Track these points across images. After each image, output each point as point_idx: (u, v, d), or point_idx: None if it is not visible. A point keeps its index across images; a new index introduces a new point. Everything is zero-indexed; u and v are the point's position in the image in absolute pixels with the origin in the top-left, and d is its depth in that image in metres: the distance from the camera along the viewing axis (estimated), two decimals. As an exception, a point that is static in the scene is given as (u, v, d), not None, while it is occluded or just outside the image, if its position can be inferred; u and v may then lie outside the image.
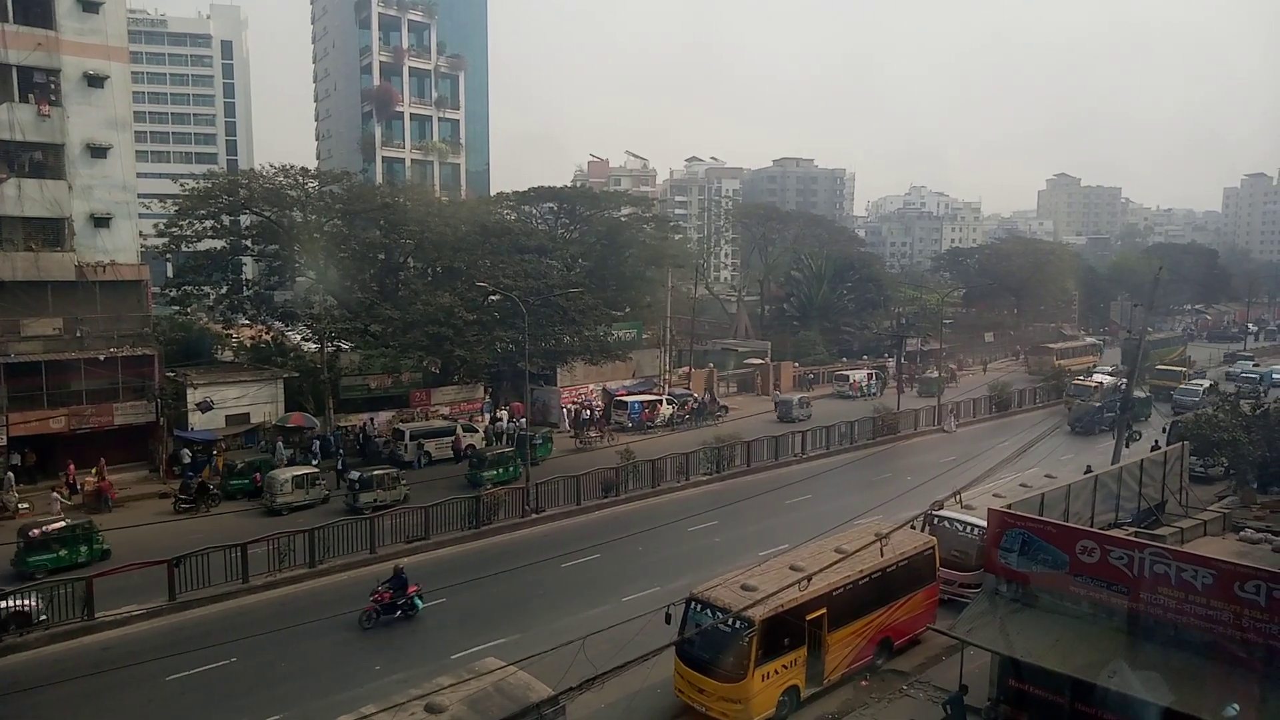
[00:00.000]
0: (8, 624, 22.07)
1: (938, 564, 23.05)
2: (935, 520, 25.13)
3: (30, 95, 36.06)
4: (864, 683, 20.60)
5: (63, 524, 27.69)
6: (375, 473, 34.31)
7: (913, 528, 23.88)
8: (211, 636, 21.95)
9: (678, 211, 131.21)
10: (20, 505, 32.74)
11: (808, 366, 68.43)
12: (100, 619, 23.02)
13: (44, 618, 22.59)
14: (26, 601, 22.46)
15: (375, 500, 32.92)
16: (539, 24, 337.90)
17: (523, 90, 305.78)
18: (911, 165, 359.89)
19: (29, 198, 35.96)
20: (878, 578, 20.82)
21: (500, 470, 37.31)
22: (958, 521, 24.95)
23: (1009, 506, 20.57)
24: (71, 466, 35.58)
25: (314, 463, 37.62)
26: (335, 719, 14.38)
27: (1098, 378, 60.06)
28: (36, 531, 27.01)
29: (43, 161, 36.96)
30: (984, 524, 20.26)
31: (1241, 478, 34.15)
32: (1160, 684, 15.45)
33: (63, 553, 27.00)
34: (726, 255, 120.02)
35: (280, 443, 39.86)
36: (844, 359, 72.26)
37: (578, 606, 24.52)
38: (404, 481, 34.82)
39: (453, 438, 42.05)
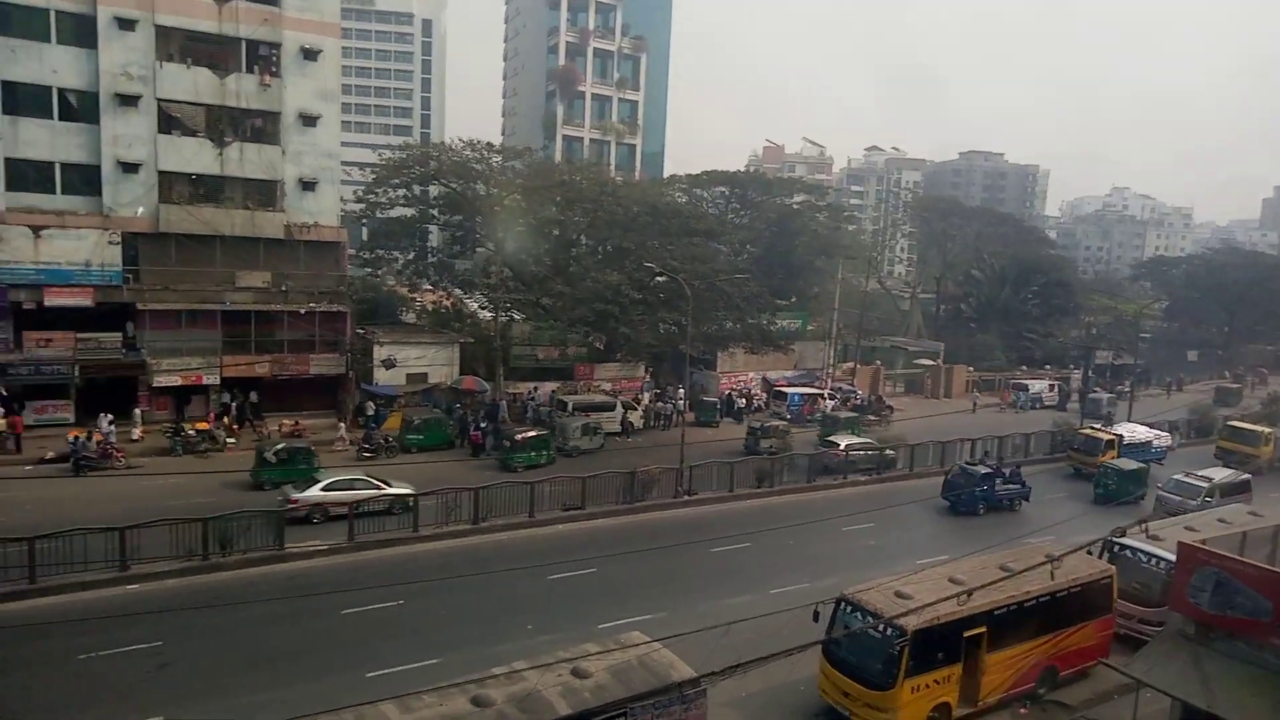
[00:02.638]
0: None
1: (1115, 595, 21.39)
2: (1116, 548, 23.31)
3: (254, 67, 39.42)
4: (1023, 710, 19.47)
5: (282, 446, 32.70)
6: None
7: (1089, 553, 22.26)
8: (382, 578, 23.52)
9: (853, 201, 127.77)
10: (228, 440, 36.18)
11: (983, 372, 65.03)
12: (289, 550, 25.14)
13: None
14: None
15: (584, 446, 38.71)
16: (724, 4, 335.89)
17: (703, 73, 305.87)
18: (1114, 164, 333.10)
19: (249, 160, 39.43)
20: (1046, 601, 19.54)
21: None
22: (1142, 552, 23.03)
23: (1203, 542, 18.79)
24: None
25: (483, 425, 39.37)
26: (490, 669, 15.01)
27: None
28: (269, 453, 31.65)
29: (261, 128, 40.35)
30: (1172, 558, 18.62)
31: None
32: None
33: (289, 468, 31.21)
34: (902, 249, 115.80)
35: (455, 405, 42.02)
36: (1024, 367, 68.17)
37: (723, 592, 24.49)
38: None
39: (612, 412, 42.94)
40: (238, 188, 39.82)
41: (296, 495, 27.92)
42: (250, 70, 39.21)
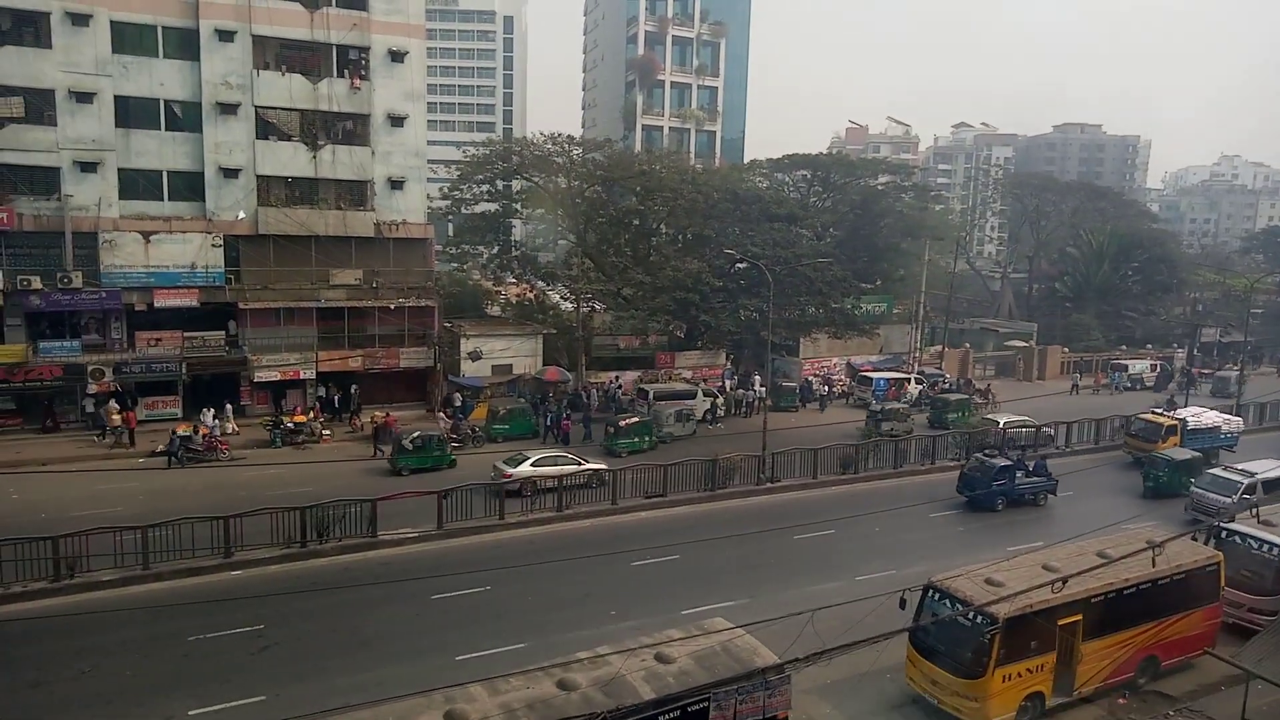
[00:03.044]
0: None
1: (1223, 583, 20.40)
2: (1223, 534, 22.21)
3: (345, 70, 40.77)
4: (1121, 700, 18.78)
5: (417, 434, 34.27)
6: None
7: (1194, 539, 21.28)
8: (470, 564, 24.19)
9: (940, 180, 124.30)
10: (325, 432, 37.69)
11: (1079, 353, 62.55)
12: (382, 537, 26.08)
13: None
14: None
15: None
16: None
17: (785, 55, 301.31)
18: (1224, 132, 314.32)
19: (340, 162, 40.84)
20: (1146, 589, 18.78)
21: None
22: (1251, 538, 21.88)
23: (1321, 527, 17.76)
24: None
25: (568, 414, 40.00)
26: (575, 653, 15.31)
27: None
28: (406, 441, 33.66)
29: (352, 130, 41.70)
30: (1286, 544, 17.62)
31: None
32: None
33: (422, 456, 33.52)
34: (992, 229, 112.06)
35: (538, 395, 42.77)
36: (1123, 347, 65.27)
37: (808, 579, 24.31)
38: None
39: (694, 400, 43.00)
40: (330, 189, 41.27)
41: (510, 470, 30.44)
42: (341, 74, 40.54)
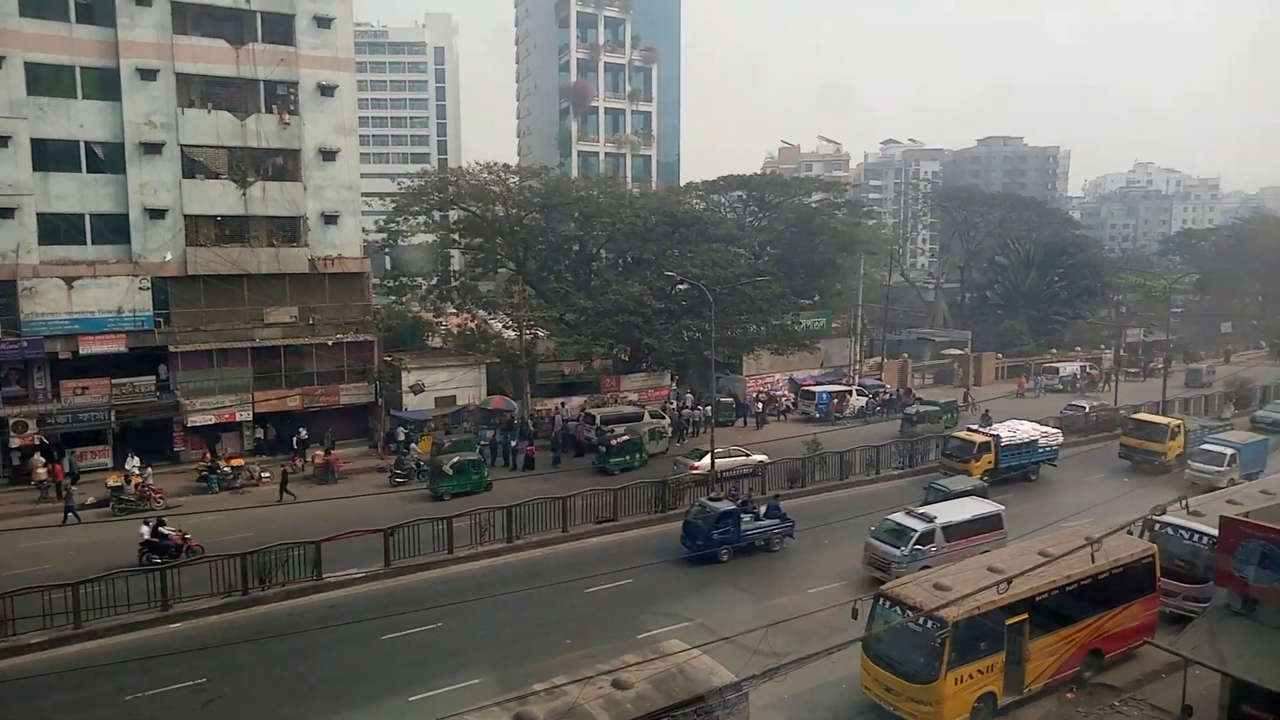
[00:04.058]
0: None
1: (1158, 573, 21.07)
2: (1156, 526, 22.94)
3: (273, 106, 40.22)
4: (1070, 695, 19.21)
5: (457, 459, 35.55)
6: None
7: (1130, 533, 21.94)
8: (421, 602, 23.74)
9: (872, 196, 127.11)
10: (263, 474, 36.74)
11: (1011, 359, 64.32)
12: (327, 579, 25.46)
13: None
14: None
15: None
16: (732, 10, 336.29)
17: (715, 79, 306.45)
18: (1137, 140, 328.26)
19: (271, 198, 40.14)
20: (1088, 584, 19.31)
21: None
22: (1183, 528, 22.67)
23: (1246, 514, 18.47)
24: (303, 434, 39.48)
25: (513, 444, 39.75)
26: (531, 685, 15.11)
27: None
28: (447, 466, 34.90)
29: (283, 165, 41.06)
30: (1214, 532, 18.33)
31: None
32: None
33: (460, 480, 34.85)
34: (924, 241, 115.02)
35: (483, 425, 42.40)
36: (1053, 350, 67.33)
37: (761, 596, 24.45)
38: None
39: (642, 422, 43.04)
40: (262, 226, 40.48)
41: (695, 464, 34.95)
42: (269, 110, 39.96)
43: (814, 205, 62.22)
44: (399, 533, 26.76)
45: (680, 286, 46.74)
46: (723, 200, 62.70)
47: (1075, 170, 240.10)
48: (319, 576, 25.36)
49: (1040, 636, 18.55)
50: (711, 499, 29.08)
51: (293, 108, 40.37)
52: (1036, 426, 37.98)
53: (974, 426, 38.74)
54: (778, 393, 53.07)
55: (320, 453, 37.94)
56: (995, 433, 36.40)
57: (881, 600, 18.45)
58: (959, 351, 64.04)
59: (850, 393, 50.99)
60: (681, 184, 69.53)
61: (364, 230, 45.07)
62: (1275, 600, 16.05)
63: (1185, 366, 61.61)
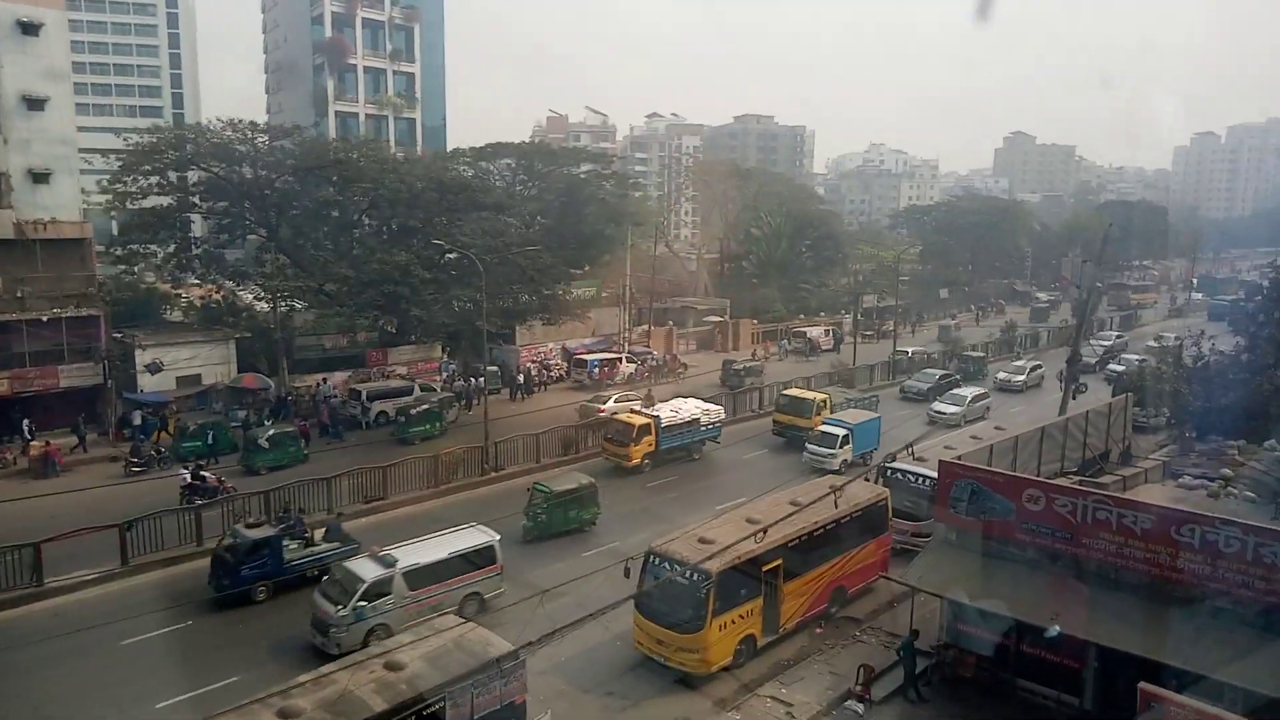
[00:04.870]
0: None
1: (890, 515, 23.57)
2: (888, 472, 25.64)
3: (-43, 44, 34.57)
4: (819, 630, 21.12)
5: (273, 431, 34.72)
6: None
7: (866, 479, 24.36)
8: (166, 600, 21.78)
9: (638, 168, 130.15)
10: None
11: (766, 324, 68.85)
12: (50, 584, 22.66)
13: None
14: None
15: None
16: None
17: (483, 43, 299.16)
18: (871, 124, 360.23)
19: (-40, 152, 34.60)
20: (832, 529, 21.26)
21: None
22: (909, 473, 25.49)
23: (959, 458, 21.08)
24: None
25: (268, 423, 37.14)
26: (296, 677, 14.37)
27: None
28: (262, 440, 33.65)
29: (-26, 114, 35.53)
30: (935, 475, 20.73)
31: (1181, 427, 35.31)
32: (1101, 624, 16.08)
33: (278, 453, 33.75)
34: (687, 213, 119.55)
35: (235, 406, 39.28)
36: (801, 316, 72.81)
37: (537, 563, 24.70)
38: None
39: (411, 397, 41.76)
40: (-52, 183, 34.88)
41: (602, 407, 38.35)
42: (-51, 48, 34.31)
43: (583, 176, 62.73)
44: (138, 526, 24.29)
45: (449, 255, 45.59)
46: (491, 168, 61.61)
47: (819, 149, 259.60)
48: (39, 582, 22.55)
49: (793, 580, 20.21)
50: (249, 525, 23.73)
51: (-16, 46, 34.89)
52: (699, 404, 37.04)
53: (636, 408, 37.88)
54: (551, 362, 53.42)
55: (36, 445, 33.49)
56: (656, 414, 35.14)
57: (651, 557, 19.28)
58: (719, 318, 67.59)
59: (620, 360, 52.37)
60: (448, 150, 67.57)
61: (85, 191, 40.03)
62: (984, 531, 18.49)
63: (939, 323, 72.22)
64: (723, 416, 37.96)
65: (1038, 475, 23.27)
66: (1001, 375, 52.13)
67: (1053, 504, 17.39)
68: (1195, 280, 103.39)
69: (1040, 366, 54.04)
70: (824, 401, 38.78)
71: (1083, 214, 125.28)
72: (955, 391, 45.51)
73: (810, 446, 34.44)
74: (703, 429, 36.17)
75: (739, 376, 50.10)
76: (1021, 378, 51.59)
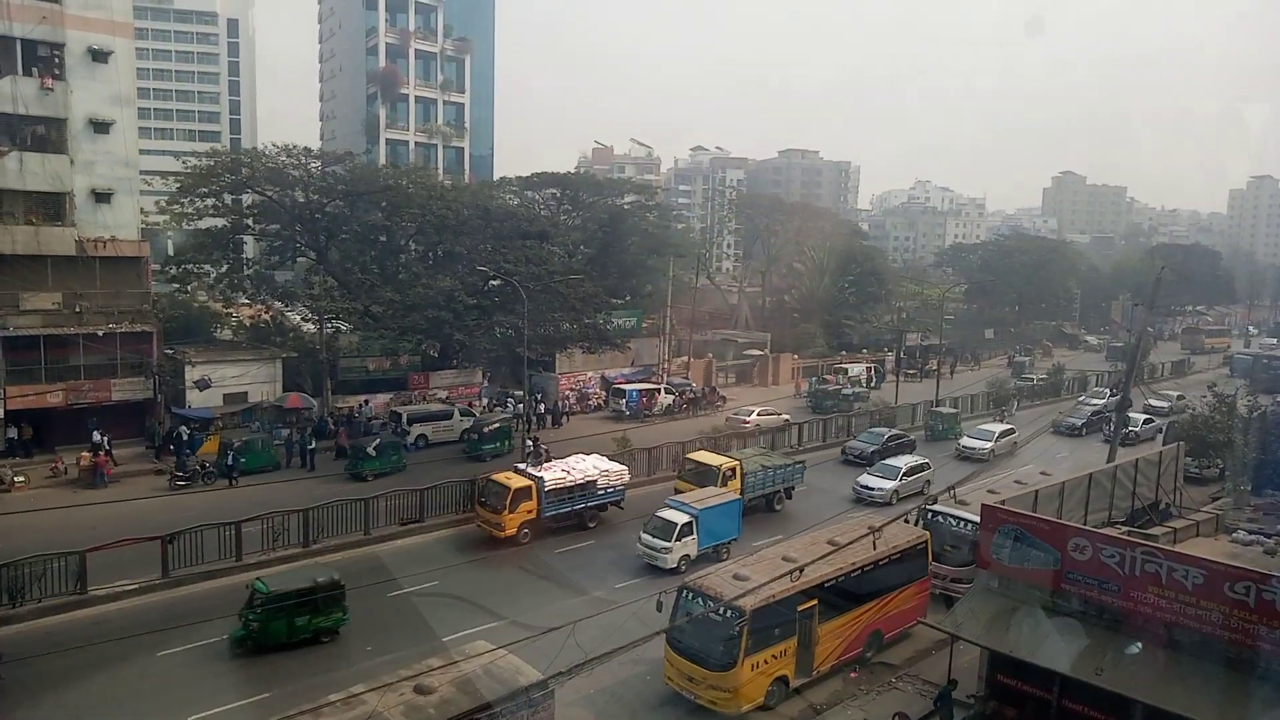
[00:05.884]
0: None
1: (930, 558, 23.10)
2: (929, 515, 25.18)
3: (34, 69, 35.94)
4: (853, 674, 20.68)
5: (378, 440, 37.34)
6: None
7: (906, 522, 23.93)
8: (204, 613, 22.02)
9: (681, 200, 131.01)
10: (16, 479, 32.74)
11: (807, 359, 68.39)
12: (92, 593, 23.07)
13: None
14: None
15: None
16: (548, 10, 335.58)
17: (530, 75, 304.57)
18: (917, 160, 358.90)
19: (30, 171, 35.86)
20: (870, 570, 20.87)
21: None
22: (951, 516, 25.00)
23: (1002, 502, 20.62)
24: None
25: (311, 445, 37.67)
26: (325, 696, 14.40)
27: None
28: (370, 449, 36.19)
29: (45, 135, 36.85)
30: (977, 519, 20.29)
31: (1235, 479, 34.23)
32: (1148, 682, 15.51)
33: (382, 461, 36.11)
34: (729, 245, 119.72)
35: (279, 424, 39.91)
36: (843, 352, 72.23)
37: (569, 592, 24.59)
38: None
39: (451, 420, 42.13)
40: (18, 201, 36.18)
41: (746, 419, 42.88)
42: (29, 73, 35.70)
43: (626, 207, 63.29)
44: (179, 540, 24.67)
45: (493, 282, 46.10)
46: (537, 197, 62.47)
47: (864, 185, 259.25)
48: (83, 590, 22.94)
49: (828, 621, 19.84)
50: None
51: (57, 72, 36.30)
52: (599, 463, 31.83)
53: (520, 466, 31.31)
54: (589, 390, 53.57)
55: (86, 455, 34.29)
56: (539, 475, 29.55)
57: (684, 592, 19.08)
58: (759, 352, 67.30)
59: (659, 391, 52.30)
60: (495, 178, 68.62)
61: (143, 212, 41.25)
62: (1025, 579, 18.01)
63: (1011, 359, 74.22)
64: (626, 479, 32.17)
65: (1084, 524, 22.66)
66: (965, 441, 43.53)
67: (1099, 554, 16.88)
68: (1258, 326, 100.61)
69: (1013, 431, 44.35)
70: (732, 469, 31.94)
71: (1134, 256, 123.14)
72: (887, 462, 37.37)
73: (644, 536, 27.03)
74: (601, 493, 30.85)
75: (835, 399, 51.39)
76: (988, 444, 42.54)
